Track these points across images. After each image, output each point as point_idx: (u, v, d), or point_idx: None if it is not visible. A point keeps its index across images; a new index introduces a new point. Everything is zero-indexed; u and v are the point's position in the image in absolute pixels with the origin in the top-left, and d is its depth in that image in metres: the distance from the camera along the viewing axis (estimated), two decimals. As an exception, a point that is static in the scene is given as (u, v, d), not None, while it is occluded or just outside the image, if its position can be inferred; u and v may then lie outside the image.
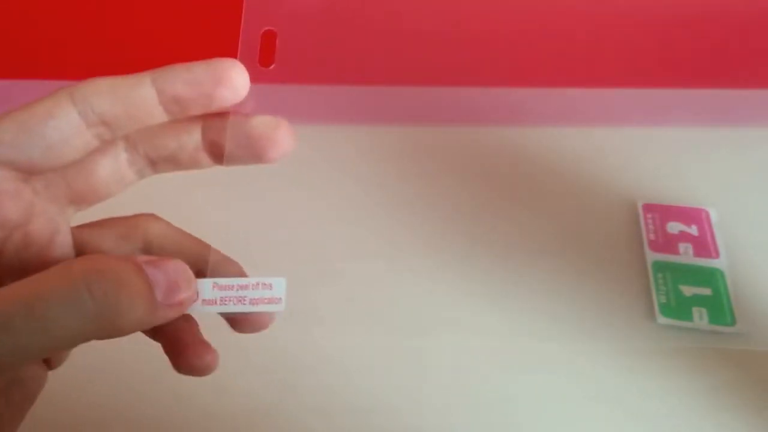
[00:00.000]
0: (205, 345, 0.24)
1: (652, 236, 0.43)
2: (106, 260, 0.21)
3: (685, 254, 0.42)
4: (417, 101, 0.49)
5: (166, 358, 0.24)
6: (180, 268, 0.22)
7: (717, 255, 0.42)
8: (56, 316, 0.19)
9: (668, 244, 0.43)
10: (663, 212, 0.45)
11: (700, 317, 0.40)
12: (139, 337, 0.23)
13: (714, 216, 0.44)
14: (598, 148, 0.49)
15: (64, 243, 0.24)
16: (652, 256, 0.42)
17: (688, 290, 0.41)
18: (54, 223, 0.24)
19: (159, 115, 0.23)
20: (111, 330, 0.20)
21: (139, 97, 0.23)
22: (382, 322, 0.40)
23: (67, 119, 0.22)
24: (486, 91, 0.49)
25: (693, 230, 0.44)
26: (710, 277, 0.41)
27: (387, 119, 0.49)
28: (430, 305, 0.40)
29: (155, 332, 0.24)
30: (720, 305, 0.40)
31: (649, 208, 0.45)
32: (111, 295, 0.20)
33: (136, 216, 0.25)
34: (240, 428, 0.36)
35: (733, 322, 0.39)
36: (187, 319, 0.25)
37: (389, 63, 0.48)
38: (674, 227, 0.44)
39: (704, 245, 0.43)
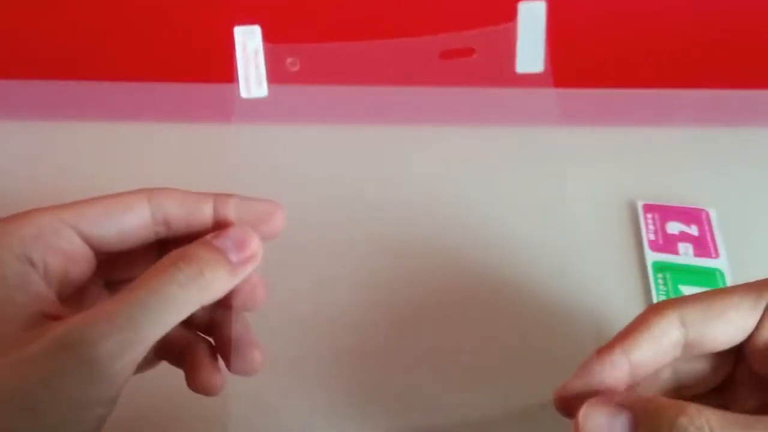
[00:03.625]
0: (216, 368, 0.29)
1: (652, 236, 0.43)
2: (185, 249, 0.26)
3: (685, 254, 0.43)
4: (414, 100, 0.49)
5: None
6: (240, 230, 0.27)
7: (717, 255, 0.42)
8: (167, 300, 0.24)
9: (668, 244, 0.43)
10: (663, 212, 0.45)
11: (700, 317, 0.40)
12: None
13: (714, 216, 0.44)
14: (598, 148, 0.49)
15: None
16: (652, 256, 0.42)
17: (688, 290, 0.41)
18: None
19: (208, 226, 0.28)
20: (210, 295, 0.25)
21: (200, 210, 0.28)
22: (374, 321, 0.40)
23: (142, 213, 0.27)
24: (486, 91, 0.49)
25: (693, 230, 0.44)
26: (710, 277, 0.41)
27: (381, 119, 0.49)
28: (427, 303, 0.40)
29: (177, 358, 0.29)
30: (720, 305, 0.40)
31: (649, 208, 0.45)
32: (198, 271, 0.25)
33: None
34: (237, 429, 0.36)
35: (733, 322, 0.39)
36: (204, 343, 0.29)
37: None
38: (674, 227, 0.44)
39: (704, 245, 0.43)
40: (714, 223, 0.44)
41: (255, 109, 0.28)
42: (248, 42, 0.28)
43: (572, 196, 0.46)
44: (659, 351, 0.28)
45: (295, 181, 0.45)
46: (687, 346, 0.28)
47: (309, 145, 0.48)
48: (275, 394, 0.37)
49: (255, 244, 0.27)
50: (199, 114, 0.49)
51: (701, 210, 0.45)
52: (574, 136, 0.48)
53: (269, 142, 0.47)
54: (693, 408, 0.25)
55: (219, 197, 0.28)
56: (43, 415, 0.22)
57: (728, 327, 0.28)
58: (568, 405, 0.28)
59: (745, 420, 0.25)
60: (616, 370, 0.28)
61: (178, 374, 0.29)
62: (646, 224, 0.44)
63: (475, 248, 0.43)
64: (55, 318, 0.24)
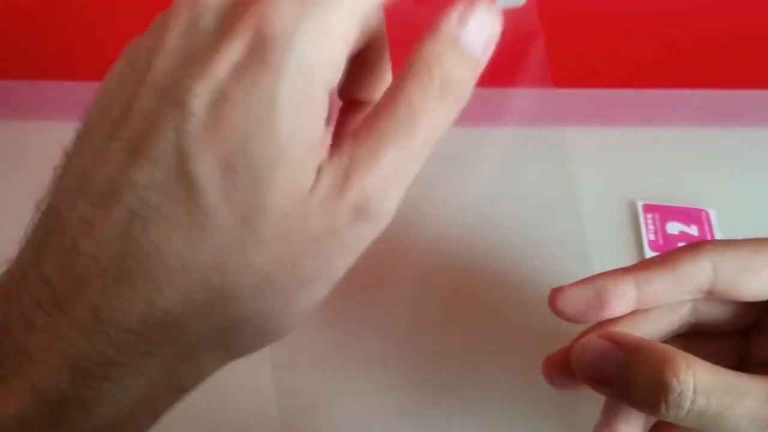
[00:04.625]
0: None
1: (652, 236, 0.43)
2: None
3: (685, 254, 0.42)
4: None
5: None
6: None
7: (717, 255, 0.42)
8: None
9: (668, 244, 0.43)
10: (663, 212, 0.45)
11: (700, 317, 0.40)
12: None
13: (714, 216, 0.44)
14: (598, 148, 0.49)
15: None
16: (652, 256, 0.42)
17: (688, 290, 0.41)
18: None
19: None
20: None
21: None
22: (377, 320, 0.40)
23: None
24: (486, 91, 0.49)
25: (693, 230, 0.44)
26: (710, 277, 0.41)
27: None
28: (426, 303, 0.40)
29: None
30: (720, 305, 0.40)
31: (649, 208, 0.45)
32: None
33: None
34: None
35: (733, 322, 0.39)
36: None
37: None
38: (674, 227, 0.44)
39: (704, 245, 0.43)
40: (714, 223, 0.44)
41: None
42: None
43: (572, 196, 0.46)
44: (677, 291, 0.27)
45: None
46: (713, 292, 0.27)
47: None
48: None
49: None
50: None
51: (701, 210, 0.45)
52: (574, 136, 0.48)
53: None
54: (682, 361, 0.23)
55: None
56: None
57: (766, 282, 0.26)
58: (562, 306, 0.28)
59: (739, 382, 0.23)
60: (620, 296, 0.27)
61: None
62: (646, 224, 0.44)
63: (473, 248, 0.43)
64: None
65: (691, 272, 0.27)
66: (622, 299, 0.27)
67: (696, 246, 0.27)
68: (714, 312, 0.28)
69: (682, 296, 0.27)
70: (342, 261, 0.22)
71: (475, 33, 0.22)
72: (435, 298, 0.41)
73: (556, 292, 0.29)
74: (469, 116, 0.53)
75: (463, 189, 0.46)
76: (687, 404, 0.23)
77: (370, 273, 0.42)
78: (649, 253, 0.42)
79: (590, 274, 0.30)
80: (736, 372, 0.24)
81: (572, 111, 0.50)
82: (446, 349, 0.39)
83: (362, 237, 0.22)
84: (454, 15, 0.22)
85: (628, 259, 0.42)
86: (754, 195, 0.46)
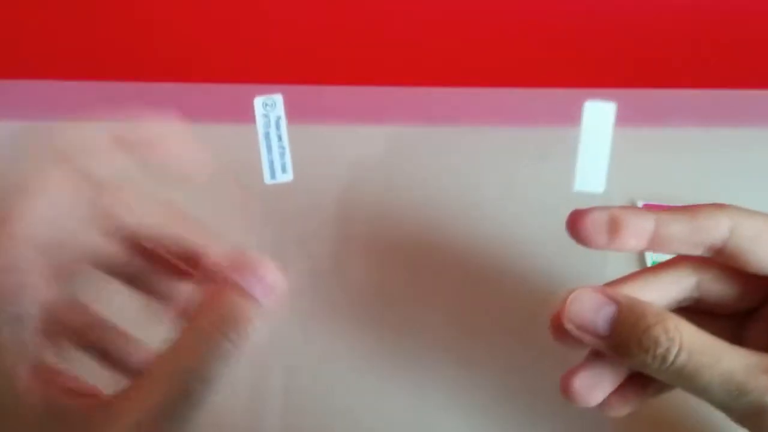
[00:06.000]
0: None
1: (652, 236, 0.43)
2: (222, 303, 0.24)
3: (686, 254, 0.42)
4: (415, 100, 0.49)
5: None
6: (264, 266, 0.25)
7: (717, 255, 0.42)
8: (216, 370, 0.23)
9: (668, 244, 0.43)
10: (663, 212, 0.45)
11: (701, 317, 0.40)
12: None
13: (714, 216, 0.44)
14: (598, 148, 0.49)
15: None
16: (653, 256, 0.42)
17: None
18: None
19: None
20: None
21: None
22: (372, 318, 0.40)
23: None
24: (486, 91, 0.49)
25: (693, 230, 0.44)
26: (710, 277, 0.41)
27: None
28: (427, 302, 0.40)
29: None
30: (720, 305, 0.40)
31: (649, 208, 0.45)
32: (243, 333, 0.24)
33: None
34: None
35: (733, 322, 0.39)
36: None
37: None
38: (674, 227, 0.44)
39: (704, 245, 0.43)
40: (714, 223, 0.44)
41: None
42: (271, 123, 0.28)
43: (573, 196, 0.46)
44: (691, 241, 0.27)
45: (293, 183, 0.45)
46: (723, 254, 0.27)
47: (312, 145, 0.48)
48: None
49: (277, 277, 0.25)
50: (199, 114, 0.49)
51: (701, 210, 0.45)
52: (575, 136, 0.48)
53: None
54: (672, 322, 0.25)
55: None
56: None
57: None
58: (581, 223, 0.29)
59: (717, 346, 0.25)
60: (637, 227, 0.27)
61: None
62: (647, 224, 0.44)
63: (474, 248, 0.43)
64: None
65: (709, 225, 0.27)
66: (636, 230, 0.27)
67: (719, 204, 0.28)
68: (717, 290, 0.29)
69: (694, 249, 0.27)
70: None
71: (257, 278, 0.25)
72: (438, 299, 0.41)
73: (577, 212, 0.30)
74: (470, 116, 0.53)
75: (462, 188, 0.46)
76: (671, 358, 0.24)
77: (375, 274, 0.42)
78: (650, 254, 0.42)
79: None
80: (720, 340, 0.25)
81: (572, 111, 0.50)
82: (449, 349, 0.39)
83: None
84: (232, 270, 0.25)
85: (630, 259, 0.42)
86: (755, 195, 0.46)
